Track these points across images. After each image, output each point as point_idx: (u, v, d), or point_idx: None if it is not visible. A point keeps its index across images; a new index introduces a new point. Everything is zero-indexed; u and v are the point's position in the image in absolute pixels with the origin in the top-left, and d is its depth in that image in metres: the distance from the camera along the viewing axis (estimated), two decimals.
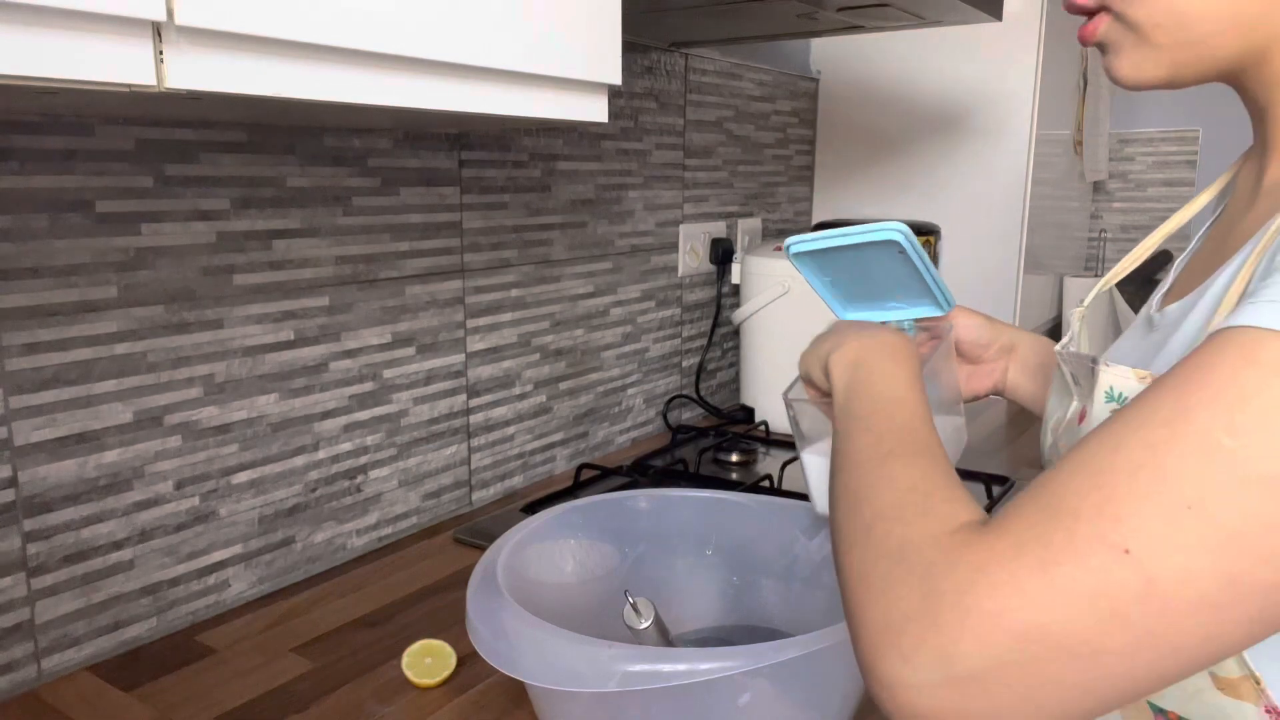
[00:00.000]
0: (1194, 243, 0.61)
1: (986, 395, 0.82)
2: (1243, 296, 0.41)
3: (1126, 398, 0.50)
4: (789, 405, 0.74)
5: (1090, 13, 0.53)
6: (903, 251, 0.71)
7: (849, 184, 1.92)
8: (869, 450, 0.52)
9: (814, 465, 0.74)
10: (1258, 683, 0.45)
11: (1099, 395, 0.52)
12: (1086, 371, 0.56)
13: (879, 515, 0.46)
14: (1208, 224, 0.61)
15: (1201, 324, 0.48)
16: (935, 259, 1.78)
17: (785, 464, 1.24)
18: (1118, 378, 0.51)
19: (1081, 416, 0.56)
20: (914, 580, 0.40)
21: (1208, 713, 0.47)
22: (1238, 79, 0.51)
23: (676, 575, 0.84)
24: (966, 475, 1.27)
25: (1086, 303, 0.68)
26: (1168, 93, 2.17)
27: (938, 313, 0.77)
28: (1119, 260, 0.70)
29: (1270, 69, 0.49)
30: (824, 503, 0.68)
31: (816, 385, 0.69)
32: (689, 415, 1.64)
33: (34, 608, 0.81)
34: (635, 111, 1.41)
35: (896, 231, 0.69)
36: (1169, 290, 0.58)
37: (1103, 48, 0.53)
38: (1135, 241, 2.28)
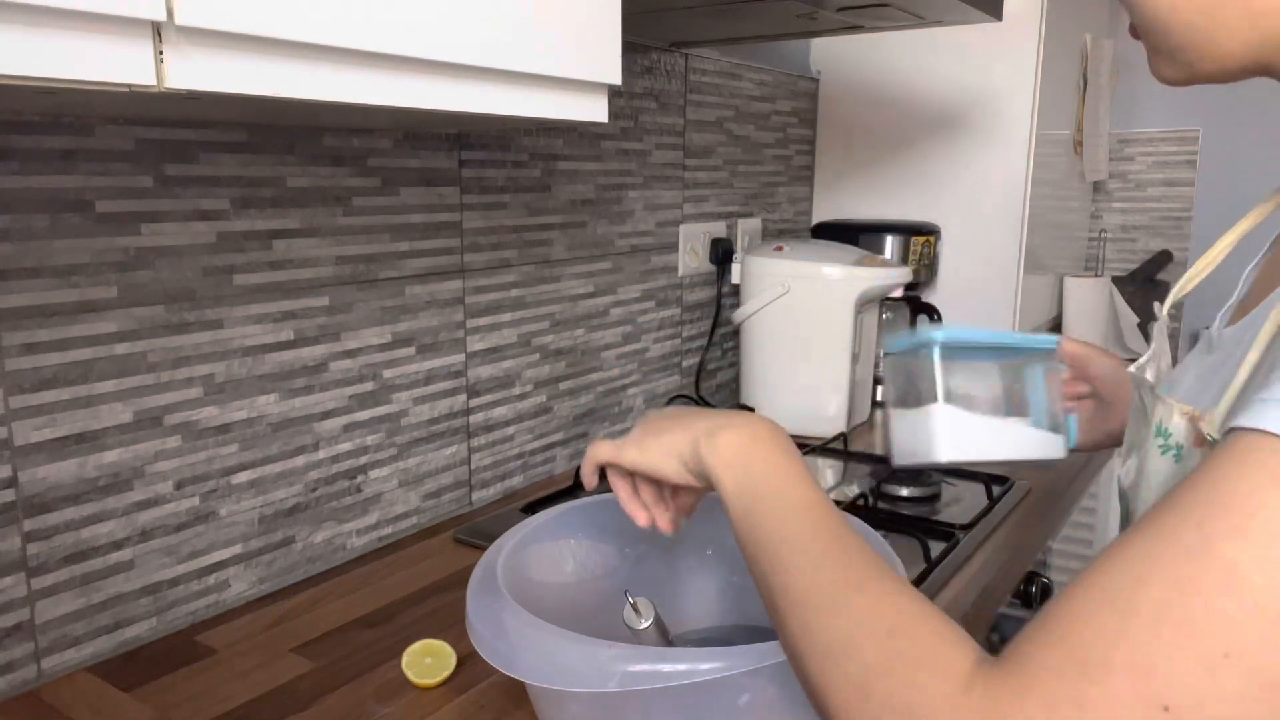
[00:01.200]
0: (1262, 252, 0.57)
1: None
2: (1254, 383, 0.40)
3: (1170, 433, 0.49)
4: (882, 361, 0.73)
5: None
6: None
7: (849, 184, 1.92)
8: (819, 582, 0.49)
9: (901, 420, 0.77)
10: None
11: (1151, 430, 0.50)
12: (1149, 400, 0.53)
13: (870, 672, 0.43)
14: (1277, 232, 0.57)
15: (1246, 353, 0.45)
16: (935, 259, 1.78)
17: None
18: (1166, 411, 0.49)
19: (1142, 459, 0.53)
20: None
21: None
22: (1273, 67, 0.48)
23: (677, 575, 0.84)
24: (966, 476, 1.27)
25: (1166, 310, 0.62)
26: (1168, 93, 2.17)
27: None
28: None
29: None
30: (913, 454, 0.73)
31: (666, 479, 0.64)
32: None
33: (34, 608, 0.81)
34: (635, 111, 1.41)
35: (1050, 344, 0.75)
36: (1245, 298, 0.55)
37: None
38: (1135, 241, 2.28)
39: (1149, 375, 0.58)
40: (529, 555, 0.76)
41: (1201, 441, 0.46)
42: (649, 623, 0.71)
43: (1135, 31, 0.53)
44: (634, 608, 0.71)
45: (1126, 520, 0.57)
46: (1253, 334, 0.45)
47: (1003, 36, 1.65)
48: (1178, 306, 0.63)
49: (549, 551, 0.79)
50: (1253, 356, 0.43)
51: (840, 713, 0.44)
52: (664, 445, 0.63)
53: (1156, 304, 0.66)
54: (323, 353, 1.01)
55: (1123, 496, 0.58)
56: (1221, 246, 0.61)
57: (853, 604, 0.46)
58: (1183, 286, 0.63)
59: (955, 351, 0.75)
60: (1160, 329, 0.61)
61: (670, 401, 1.59)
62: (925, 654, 0.41)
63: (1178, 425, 0.48)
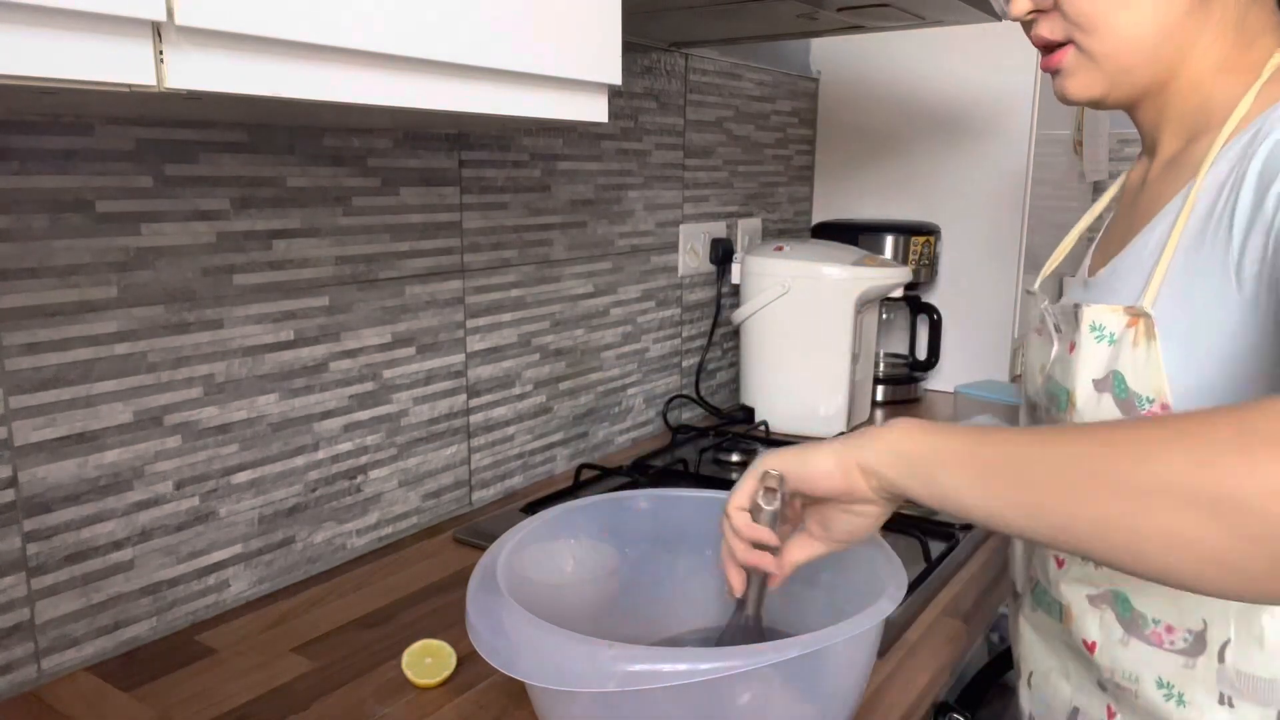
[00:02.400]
0: (1100, 234, 0.82)
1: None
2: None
3: (1104, 326, 0.67)
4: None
5: (1053, 46, 0.70)
6: None
7: (849, 184, 1.92)
8: (1106, 448, 0.48)
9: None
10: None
11: (1084, 329, 0.68)
12: (1069, 316, 0.72)
13: (1210, 453, 0.44)
14: (1109, 220, 0.83)
15: (1151, 264, 0.66)
16: (935, 259, 1.78)
17: None
18: (1098, 313, 0.68)
19: (1071, 348, 0.70)
20: (1232, 423, 0.43)
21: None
22: (1140, 103, 0.71)
23: (676, 575, 0.84)
24: None
25: (1039, 284, 0.86)
26: None
27: None
28: None
29: (1164, 95, 0.70)
30: None
31: (847, 493, 0.61)
32: (689, 415, 1.64)
33: (34, 608, 0.81)
34: (635, 111, 1.41)
35: None
36: (1091, 262, 0.79)
37: (1056, 72, 0.71)
38: None
39: (1050, 311, 0.77)
40: (529, 555, 0.76)
41: (1135, 323, 0.65)
42: (776, 505, 0.65)
43: (1053, 65, 0.71)
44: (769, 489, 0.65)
45: (1064, 404, 0.71)
46: (1145, 251, 0.67)
47: (1003, 36, 1.65)
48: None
49: (549, 551, 0.79)
50: (1164, 259, 0.64)
51: (1130, 513, 0.45)
52: (824, 452, 0.61)
53: (1027, 287, 0.86)
54: (323, 353, 1.01)
55: (1042, 400, 0.76)
56: (1076, 232, 0.88)
57: (1141, 436, 0.47)
58: (1048, 266, 0.87)
59: None
60: (1038, 297, 0.84)
61: (670, 401, 1.59)
62: (1188, 428, 0.45)
63: (1109, 318, 0.67)
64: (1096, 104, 0.72)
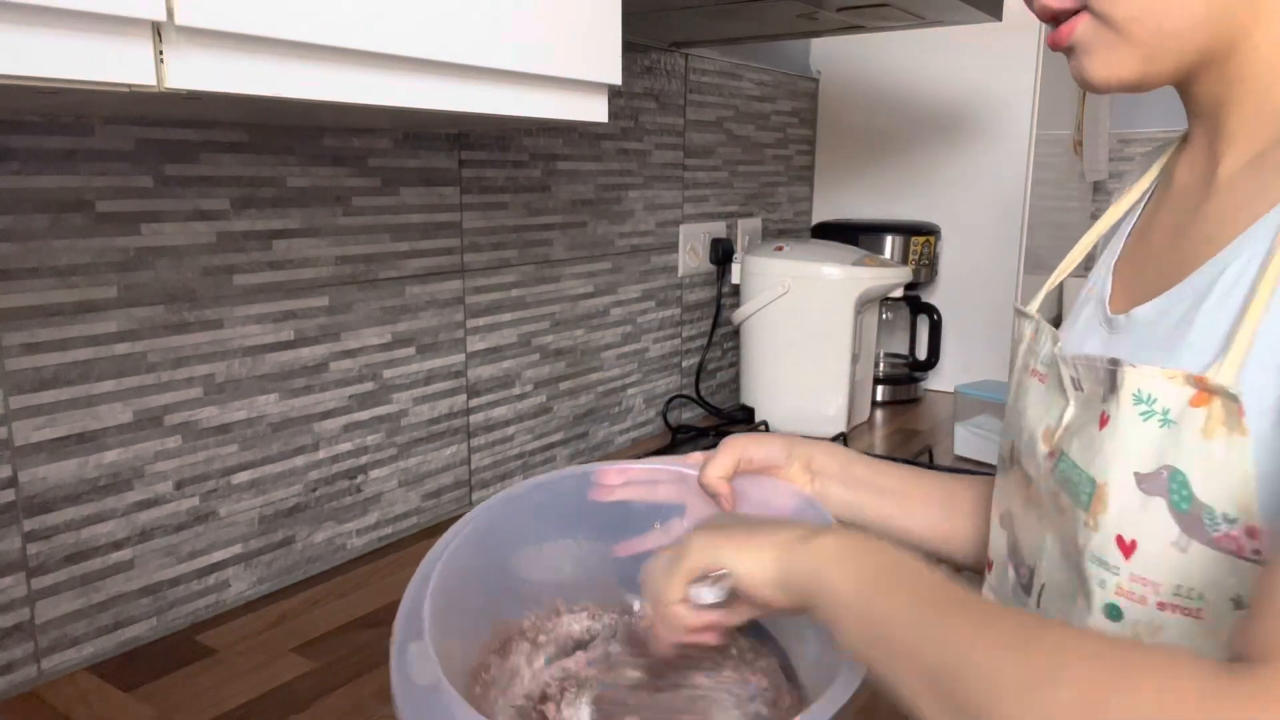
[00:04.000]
0: (1123, 237, 0.61)
1: None
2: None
3: (1155, 399, 0.48)
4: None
5: (1062, 16, 0.53)
6: None
7: (849, 184, 1.92)
8: (999, 630, 0.41)
9: None
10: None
11: (1125, 398, 0.49)
12: (1100, 375, 0.52)
13: (1094, 689, 0.36)
14: (1135, 217, 0.62)
15: (1231, 318, 0.46)
16: (935, 259, 1.78)
17: None
18: (1145, 379, 0.48)
19: (1103, 422, 0.51)
20: None
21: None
22: (1195, 77, 0.52)
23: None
24: None
25: (1036, 305, 0.65)
26: (1168, 93, 2.15)
27: None
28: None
29: (1232, 65, 0.50)
30: None
31: (762, 603, 0.55)
32: (689, 415, 1.64)
33: (34, 608, 0.81)
34: (635, 111, 1.41)
35: None
36: (1113, 291, 0.59)
37: (1071, 51, 0.53)
38: None
39: (1066, 359, 0.57)
40: (523, 556, 0.74)
41: (1204, 401, 0.46)
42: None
43: (1062, 39, 0.53)
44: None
45: (1088, 500, 0.52)
46: (1218, 292, 0.47)
47: (1003, 36, 1.65)
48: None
49: (547, 551, 0.78)
50: (1252, 317, 0.44)
51: None
52: (751, 549, 0.54)
53: (1018, 305, 0.67)
54: (323, 353, 1.01)
55: (1049, 483, 0.57)
56: (1082, 247, 0.66)
57: (1046, 636, 0.40)
58: (1049, 285, 0.67)
59: None
60: (1035, 324, 0.63)
61: (670, 401, 1.59)
62: (1148, 661, 0.36)
63: (1164, 390, 0.47)
64: (1134, 88, 0.53)
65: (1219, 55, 0.50)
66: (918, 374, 1.81)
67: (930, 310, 1.74)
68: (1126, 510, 0.49)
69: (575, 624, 0.74)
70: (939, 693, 0.41)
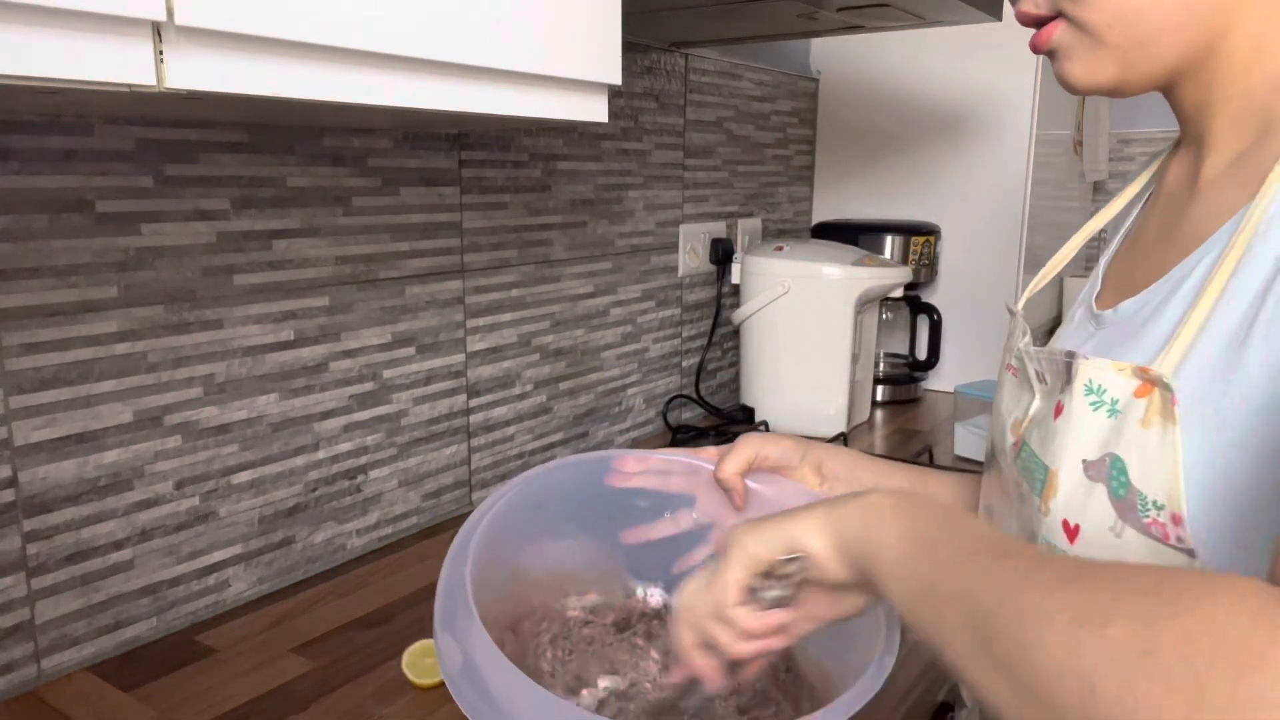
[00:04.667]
0: (1118, 238, 0.64)
1: None
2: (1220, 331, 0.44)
3: (1105, 389, 0.51)
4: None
5: (1042, 22, 0.54)
6: None
7: (849, 184, 1.92)
8: (1049, 570, 0.40)
9: None
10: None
11: (1078, 389, 0.52)
12: (1059, 367, 0.55)
13: (1151, 616, 0.34)
14: (1130, 220, 0.64)
15: (1180, 315, 0.49)
16: (935, 259, 1.78)
17: None
18: (1097, 371, 0.51)
19: (1058, 411, 0.54)
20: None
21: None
22: (1177, 82, 0.54)
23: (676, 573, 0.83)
24: None
25: (1022, 303, 0.67)
26: None
27: None
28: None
29: (1209, 70, 0.52)
30: None
31: (830, 580, 0.53)
32: (689, 415, 1.64)
33: (34, 608, 0.81)
34: (635, 111, 1.41)
35: None
36: (1104, 286, 0.61)
37: (1053, 54, 0.55)
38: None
39: (1030, 353, 0.59)
40: (526, 554, 0.74)
41: (1147, 391, 0.48)
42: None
43: (1040, 44, 0.55)
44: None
45: (1041, 487, 0.54)
46: (1173, 296, 0.50)
47: (1003, 36, 1.65)
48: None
49: (546, 550, 0.79)
50: (1198, 314, 0.46)
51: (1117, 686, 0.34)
52: (808, 521, 0.53)
53: (1010, 305, 0.69)
54: (323, 353, 1.01)
55: (1012, 472, 0.58)
56: (1071, 246, 0.67)
57: (1099, 575, 0.38)
58: (1038, 283, 0.68)
59: None
60: (1018, 323, 0.65)
61: (670, 401, 1.59)
62: (1200, 586, 0.34)
63: (1113, 381, 0.50)
64: (1113, 91, 0.54)
65: (1197, 60, 0.51)
66: (918, 374, 1.81)
67: (930, 310, 1.74)
68: (1073, 496, 0.51)
69: (580, 606, 0.76)
70: (987, 638, 0.39)
